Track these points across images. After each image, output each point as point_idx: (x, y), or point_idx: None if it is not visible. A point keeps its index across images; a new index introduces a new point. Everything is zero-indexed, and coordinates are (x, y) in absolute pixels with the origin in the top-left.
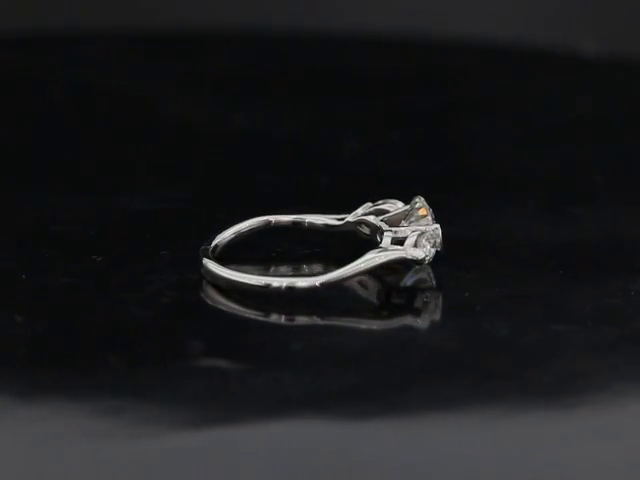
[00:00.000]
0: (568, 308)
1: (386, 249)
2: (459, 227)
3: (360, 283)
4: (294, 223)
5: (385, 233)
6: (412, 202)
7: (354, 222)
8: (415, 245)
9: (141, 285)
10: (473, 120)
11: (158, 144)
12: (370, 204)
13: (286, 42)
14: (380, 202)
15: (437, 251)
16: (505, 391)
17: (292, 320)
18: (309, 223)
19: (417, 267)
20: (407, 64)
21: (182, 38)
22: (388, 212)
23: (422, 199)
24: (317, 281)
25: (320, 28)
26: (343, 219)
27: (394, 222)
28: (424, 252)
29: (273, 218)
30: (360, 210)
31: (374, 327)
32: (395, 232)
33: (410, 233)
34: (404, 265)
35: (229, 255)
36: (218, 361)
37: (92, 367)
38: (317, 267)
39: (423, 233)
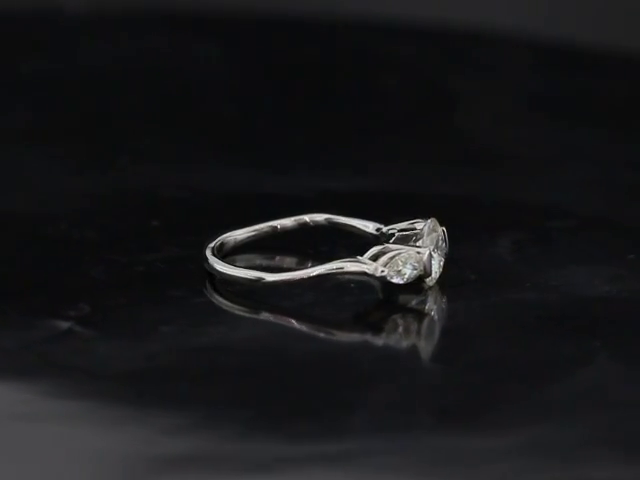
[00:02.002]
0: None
1: (357, 260)
2: (516, 262)
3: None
4: (300, 225)
5: (373, 248)
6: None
7: (381, 234)
8: (385, 264)
9: (141, 252)
10: None
11: (398, 136)
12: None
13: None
14: (419, 220)
15: (420, 274)
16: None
17: (211, 306)
18: (313, 221)
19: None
20: None
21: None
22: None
23: (430, 222)
24: (268, 277)
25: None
26: (379, 229)
27: (406, 240)
28: (389, 272)
29: (278, 223)
30: (393, 225)
31: (284, 325)
32: (383, 248)
33: (390, 251)
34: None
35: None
36: (76, 326)
37: None
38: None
39: (400, 254)
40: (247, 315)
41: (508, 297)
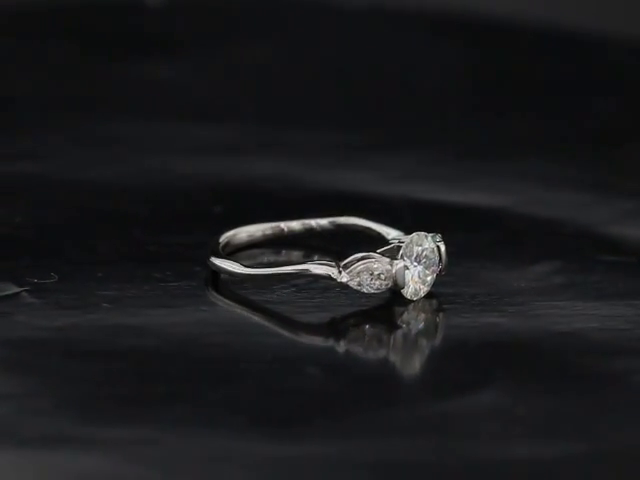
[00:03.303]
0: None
1: (326, 264)
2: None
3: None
4: (307, 229)
5: (356, 254)
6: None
7: (388, 242)
8: (353, 271)
9: (169, 234)
10: None
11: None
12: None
13: None
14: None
15: (390, 286)
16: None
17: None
18: (319, 225)
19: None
20: None
21: None
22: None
23: (414, 235)
24: (245, 271)
25: None
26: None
27: (398, 251)
28: (353, 279)
29: (285, 225)
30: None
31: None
32: (365, 255)
33: (366, 259)
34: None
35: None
36: (26, 293)
37: None
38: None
39: (371, 263)
40: (198, 303)
41: (477, 320)
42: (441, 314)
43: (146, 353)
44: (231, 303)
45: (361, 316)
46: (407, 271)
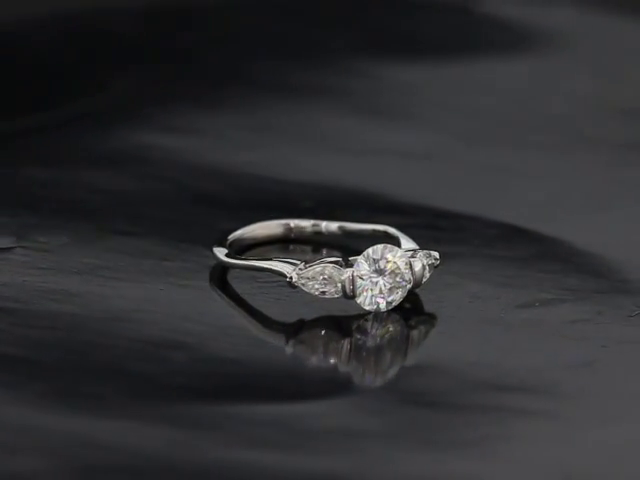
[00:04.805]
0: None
1: (287, 262)
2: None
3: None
4: (315, 232)
5: (331, 257)
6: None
7: None
8: (307, 273)
9: (226, 220)
10: None
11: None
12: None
13: None
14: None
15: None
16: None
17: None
18: (325, 227)
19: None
20: None
21: None
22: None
23: (379, 247)
24: (225, 259)
25: None
26: None
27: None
28: (302, 281)
29: (293, 222)
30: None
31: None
32: (337, 260)
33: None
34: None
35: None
36: (21, 250)
37: None
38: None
39: (326, 268)
40: (164, 282)
41: (422, 341)
42: (406, 331)
43: (51, 319)
44: (202, 288)
45: (329, 321)
46: (362, 281)
